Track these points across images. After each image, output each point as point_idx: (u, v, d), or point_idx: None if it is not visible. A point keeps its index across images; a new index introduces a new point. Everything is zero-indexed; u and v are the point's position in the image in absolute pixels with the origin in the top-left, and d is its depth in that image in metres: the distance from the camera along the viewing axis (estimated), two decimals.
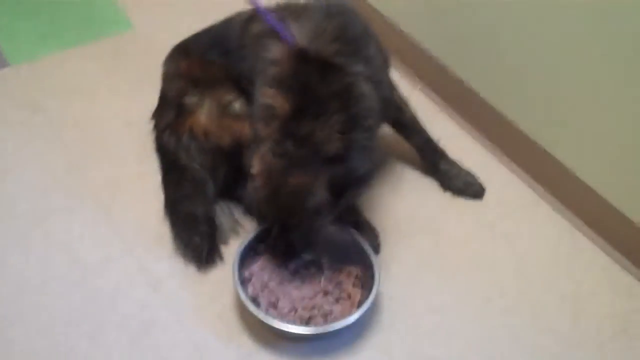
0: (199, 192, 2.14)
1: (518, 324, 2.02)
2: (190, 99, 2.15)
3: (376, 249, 2.12)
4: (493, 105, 2.42)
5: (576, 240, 2.23)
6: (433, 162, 2.33)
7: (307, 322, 1.92)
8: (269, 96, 1.83)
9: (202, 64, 2.17)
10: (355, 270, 2.02)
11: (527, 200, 2.33)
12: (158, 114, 2.26)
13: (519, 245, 2.21)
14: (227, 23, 2.21)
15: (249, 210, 2.18)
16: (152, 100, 2.29)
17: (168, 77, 2.24)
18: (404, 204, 2.29)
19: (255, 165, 1.81)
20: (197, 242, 2.08)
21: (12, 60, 2.67)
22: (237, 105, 2.11)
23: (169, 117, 2.20)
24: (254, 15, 2.03)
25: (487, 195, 2.33)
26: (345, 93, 1.82)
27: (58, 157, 2.35)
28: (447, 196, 2.32)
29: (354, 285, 2.00)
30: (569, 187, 2.27)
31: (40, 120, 2.46)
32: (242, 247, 1.99)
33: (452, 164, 2.33)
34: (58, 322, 1.94)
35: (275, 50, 1.88)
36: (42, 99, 2.53)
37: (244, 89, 2.09)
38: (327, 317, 1.93)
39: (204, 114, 2.12)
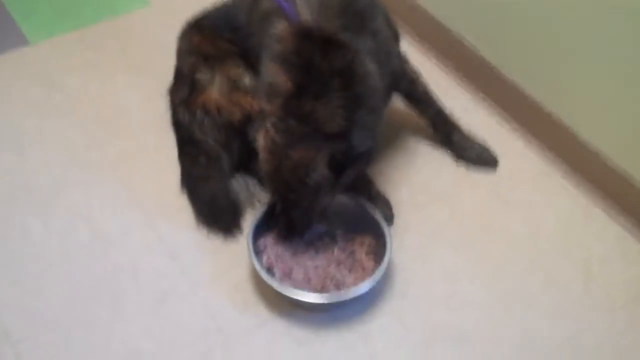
0: (215, 166, 2.18)
1: (531, 290, 2.04)
2: (202, 75, 2.19)
3: (389, 219, 2.15)
4: (507, 77, 2.44)
5: (589, 210, 2.24)
6: (446, 134, 2.35)
7: (320, 290, 1.96)
8: (272, 73, 1.87)
9: (213, 40, 2.21)
10: (368, 239, 2.06)
11: (540, 170, 2.35)
12: (173, 90, 2.30)
13: (532, 214, 2.23)
14: (237, 0, 2.24)
15: (263, 183, 2.22)
16: (169, 75, 2.32)
17: (182, 53, 2.28)
18: (418, 175, 2.32)
19: (260, 140, 1.86)
20: (222, 220, 2.14)
21: (32, 39, 2.72)
22: (247, 80, 2.15)
23: (184, 93, 2.24)
24: None
25: (501, 166, 2.35)
26: (348, 71, 1.84)
27: (77, 133, 2.40)
28: (461, 168, 2.34)
29: (366, 254, 2.04)
30: (583, 157, 2.28)
31: (59, 97, 2.51)
32: (256, 219, 2.03)
33: (465, 135, 2.35)
34: (80, 292, 1.99)
35: (279, 27, 1.91)
36: (61, 76, 2.58)
37: (253, 64, 2.12)
38: (340, 286, 1.96)
39: (215, 90, 2.16)
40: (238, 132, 2.17)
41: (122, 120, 2.45)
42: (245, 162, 2.22)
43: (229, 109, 2.15)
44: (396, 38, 2.17)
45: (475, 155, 2.34)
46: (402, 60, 2.23)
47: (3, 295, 1.98)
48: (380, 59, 1.94)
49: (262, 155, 1.86)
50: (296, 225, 1.98)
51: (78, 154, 2.34)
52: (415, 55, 2.59)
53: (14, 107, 2.47)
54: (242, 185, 2.22)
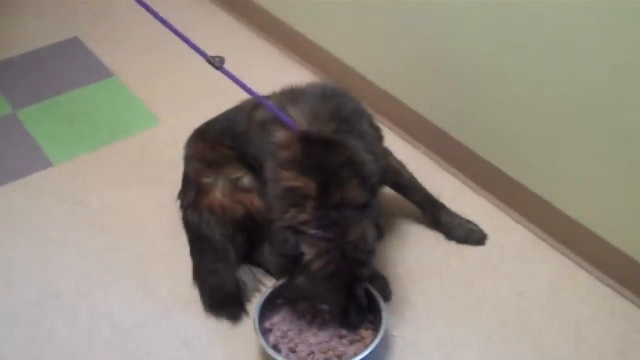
0: (222, 258, 2.37)
1: (521, 354, 2.17)
2: (206, 179, 2.41)
3: (388, 296, 2.31)
4: (491, 162, 2.63)
5: (574, 275, 2.39)
6: (434, 215, 2.54)
7: None
8: (290, 179, 2.08)
9: (215, 147, 2.45)
10: (367, 315, 2.21)
11: (526, 242, 2.51)
12: (182, 194, 2.53)
13: (520, 283, 2.38)
14: (236, 110, 2.49)
15: (268, 271, 2.41)
16: (179, 184, 2.55)
17: (187, 159, 2.52)
18: (412, 254, 2.49)
19: (309, 252, 2.02)
20: (228, 307, 2.31)
21: (55, 161, 2.97)
22: (246, 180, 2.37)
23: (191, 196, 2.46)
24: (258, 104, 2.27)
25: (489, 241, 2.52)
26: (351, 161, 2.09)
27: (97, 241, 2.61)
28: (452, 244, 2.51)
29: (366, 328, 2.19)
30: (566, 228, 2.44)
31: (80, 210, 2.74)
32: (261, 301, 2.20)
33: (453, 215, 2.54)
34: None
35: (280, 136, 2.15)
36: (81, 192, 2.81)
37: (251, 165, 2.36)
38: (342, 358, 2.11)
39: (219, 192, 2.38)
40: (241, 227, 2.38)
41: (137, 228, 2.66)
42: (250, 253, 2.42)
43: (232, 207, 2.37)
44: (379, 138, 2.41)
45: (464, 233, 2.52)
46: (387, 156, 2.45)
47: None
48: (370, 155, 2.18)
49: (318, 263, 2.01)
50: (363, 304, 2.13)
51: (98, 259, 2.54)
52: (405, 147, 2.86)
53: (39, 221, 2.70)
54: (248, 274, 2.40)
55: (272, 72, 3.30)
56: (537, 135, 2.43)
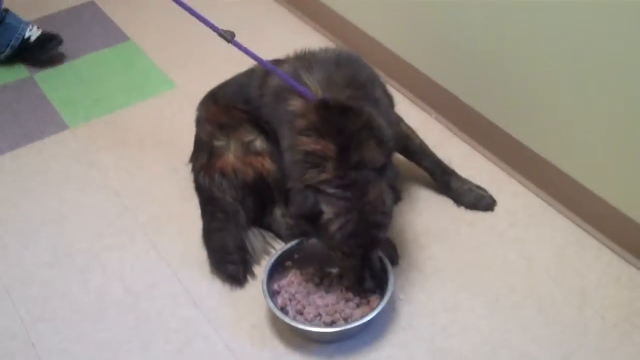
0: (231, 221, 2.41)
1: (527, 317, 2.20)
2: (219, 142, 2.44)
3: (395, 260, 2.34)
4: (501, 127, 2.63)
5: (581, 240, 2.40)
6: (444, 181, 2.55)
7: (330, 325, 2.14)
8: (309, 144, 2.10)
9: (227, 110, 2.47)
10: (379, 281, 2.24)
11: (534, 208, 2.52)
12: (194, 157, 2.56)
13: (527, 248, 2.39)
14: (249, 73, 2.50)
15: (277, 234, 2.45)
16: (192, 147, 2.58)
17: (200, 122, 2.54)
18: (420, 219, 2.51)
19: (328, 211, 2.04)
20: (229, 267, 2.34)
21: (70, 123, 3.02)
22: (258, 143, 2.39)
23: (203, 159, 2.49)
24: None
25: (498, 206, 2.53)
26: (369, 125, 2.12)
27: (110, 203, 2.65)
28: (460, 210, 2.53)
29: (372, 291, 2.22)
30: (573, 193, 2.45)
31: (95, 172, 2.78)
32: (270, 264, 2.24)
33: (463, 181, 2.55)
34: (114, 340, 2.21)
35: (296, 104, 2.17)
36: (96, 154, 2.86)
37: (263, 129, 2.38)
38: (348, 320, 2.15)
39: (231, 154, 2.41)
40: (251, 190, 2.40)
41: (150, 190, 2.70)
42: (260, 217, 2.45)
43: (244, 169, 2.39)
44: (391, 104, 2.42)
45: (473, 198, 2.53)
46: (398, 121, 2.47)
47: (47, 341, 2.22)
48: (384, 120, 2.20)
49: (337, 223, 2.03)
50: (376, 270, 2.15)
51: (111, 221, 2.58)
52: (418, 113, 2.88)
53: (54, 183, 2.75)
54: (258, 238, 2.43)
55: (288, 37, 3.32)
56: (548, 100, 2.42)
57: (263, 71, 2.38)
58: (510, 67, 2.51)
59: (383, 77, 2.44)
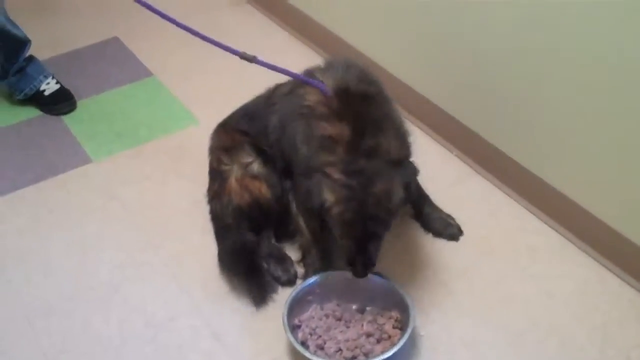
0: (240, 244, 2.44)
1: (549, 355, 2.18)
2: (226, 167, 2.49)
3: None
4: (522, 164, 2.65)
5: (603, 277, 2.40)
6: (417, 205, 2.55)
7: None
8: (326, 128, 2.11)
9: (232, 134, 2.53)
10: (395, 314, 2.24)
11: (555, 244, 2.52)
12: (209, 186, 2.62)
13: (548, 284, 2.39)
14: (257, 96, 2.54)
15: (299, 230, 2.42)
16: None
17: (211, 151, 2.61)
18: (439, 255, 2.51)
19: (329, 197, 2.04)
20: (248, 290, 2.37)
21: (94, 157, 3.05)
22: (255, 166, 2.43)
23: (215, 186, 2.55)
24: (278, 84, 2.36)
25: (519, 242, 2.53)
26: (391, 115, 2.16)
27: (132, 236, 2.67)
28: (481, 246, 2.53)
29: (393, 327, 2.21)
30: (594, 229, 2.45)
31: (117, 206, 2.80)
32: (290, 298, 2.24)
33: (434, 207, 2.56)
34: None
35: (314, 99, 2.19)
36: (119, 188, 2.88)
37: (261, 151, 2.42)
38: (369, 356, 2.14)
39: (233, 177, 2.45)
40: (246, 215, 2.44)
41: (172, 224, 2.72)
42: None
43: (240, 193, 2.43)
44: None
45: (440, 227, 2.54)
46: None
47: None
48: None
49: (337, 209, 2.03)
50: (371, 259, 2.12)
51: (133, 254, 2.60)
52: (436, 147, 2.92)
53: (77, 216, 2.77)
54: (274, 251, 2.47)
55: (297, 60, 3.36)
56: (567, 138, 2.44)
57: (269, 90, 2.45)
58: (533, 106, 2.52)
59: (405, 114, 2.46)
